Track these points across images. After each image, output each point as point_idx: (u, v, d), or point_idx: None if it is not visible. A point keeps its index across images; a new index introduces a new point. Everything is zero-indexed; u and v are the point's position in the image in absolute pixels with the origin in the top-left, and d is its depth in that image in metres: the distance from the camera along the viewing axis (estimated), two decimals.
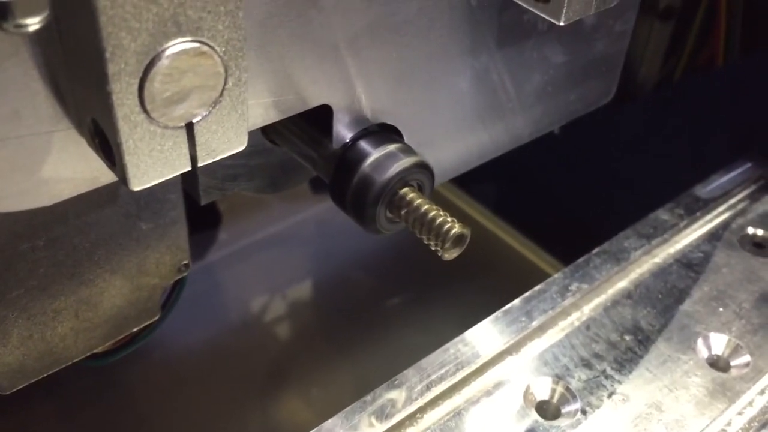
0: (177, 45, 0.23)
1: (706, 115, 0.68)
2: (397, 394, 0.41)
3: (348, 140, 0.37)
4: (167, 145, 0.25)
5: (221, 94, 0.25)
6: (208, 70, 0.24)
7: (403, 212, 0.36)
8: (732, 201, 0.56)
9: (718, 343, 0.45)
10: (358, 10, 0.33)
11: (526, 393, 0.42)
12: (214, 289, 0.72)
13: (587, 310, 0.47)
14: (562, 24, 0.34)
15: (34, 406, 0.59)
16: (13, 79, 0.25)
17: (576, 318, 0.47)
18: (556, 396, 0.42)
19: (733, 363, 0.45)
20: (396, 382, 0.42)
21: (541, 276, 0.50)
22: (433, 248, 0.35)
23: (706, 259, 0.51)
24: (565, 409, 0.42)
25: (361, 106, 0.37)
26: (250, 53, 0.30)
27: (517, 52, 0.42)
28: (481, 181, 0.82)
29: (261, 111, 0.32)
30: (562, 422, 0.41)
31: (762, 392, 0.43)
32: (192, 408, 0.62)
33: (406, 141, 0.39)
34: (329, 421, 0.40)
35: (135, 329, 0.41)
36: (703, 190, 0.57)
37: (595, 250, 0.51)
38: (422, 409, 0.41)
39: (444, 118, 0.42)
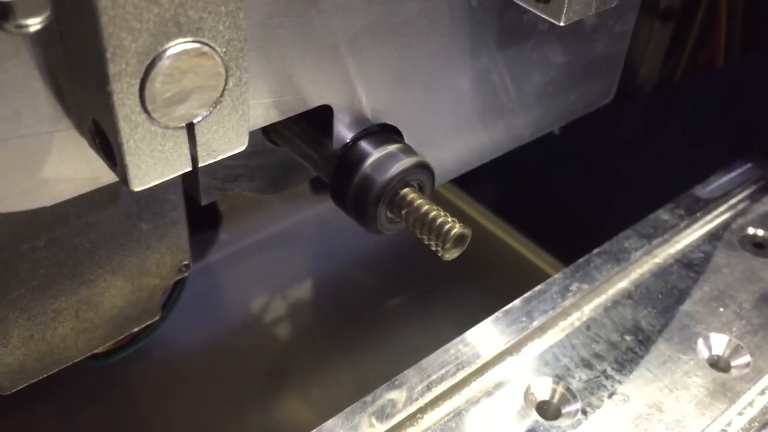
0: (178, 45, 0.23)
1: (706, 115, 0.68)
2: (397, 395, 0.41)
3: (348, 140, 0.37)
4: (168, 146, 0.25)
5: (222, 95, 0.25)
6: (209, 70, 0.24)
7: (403, 212, 0.36)
8: (732, 201, 0.56)
9: (719, 343, 0.45)
10: (358, 10, 0.33)
11: (527, 393, 0.42)
12: (215, 290, 0.72)
13: (588, 310, 0.47)
14: (562, 24, 0.34)
15: (35, 407, 0.59)
16: (14, 80, 0.25)
17: (576, 318, 0.47)
18: (557, 396, 0.42)
19: (733, 363, 0.45)
20: (396, 382, 0.42)
21: (542, 276, 0.50)
22: (433, 248, 0.35)
23: (706, 259, 0.51)
24: (565, 410, 0.42)
25: (362, 106, 0.37)
26: (251, 54, 0.30)
27: (517, 53, 0.42)
28: (482, 182, 0.82)
29: (261, 111, 0.32)
30: (562, 422, 0.41)
31: (762, 392, 0.43)
32: (192, 408, 0.62)
33: (406, 141, 0.39)
34: (329, 421, 0.40)
35: (135, 329, 0.41)
36: (704, 190, 0.57)
37: (596, 251, 0.51)
38: (423, 410, 0.41)
39: (444, 118, 0.42)
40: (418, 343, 0.66)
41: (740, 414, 0.42)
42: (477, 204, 0.81)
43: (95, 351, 0.40)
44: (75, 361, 0.39)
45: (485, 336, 0.45)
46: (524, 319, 0.46)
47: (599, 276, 0.49)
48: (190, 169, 0.26)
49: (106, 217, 0.36)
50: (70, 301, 0.37)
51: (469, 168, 0.46)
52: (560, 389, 0.43)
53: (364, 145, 0.37)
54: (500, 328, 0.45)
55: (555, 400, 0.42)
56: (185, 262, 0.41)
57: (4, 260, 0.33)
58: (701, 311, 0.47)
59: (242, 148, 0.28)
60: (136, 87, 0.23)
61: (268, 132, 0.41)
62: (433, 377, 0.42)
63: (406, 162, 0.36)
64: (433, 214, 0.35)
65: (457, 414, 0.41)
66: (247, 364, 0.66)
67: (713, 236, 0.53)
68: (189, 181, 0.40)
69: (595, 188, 0.76)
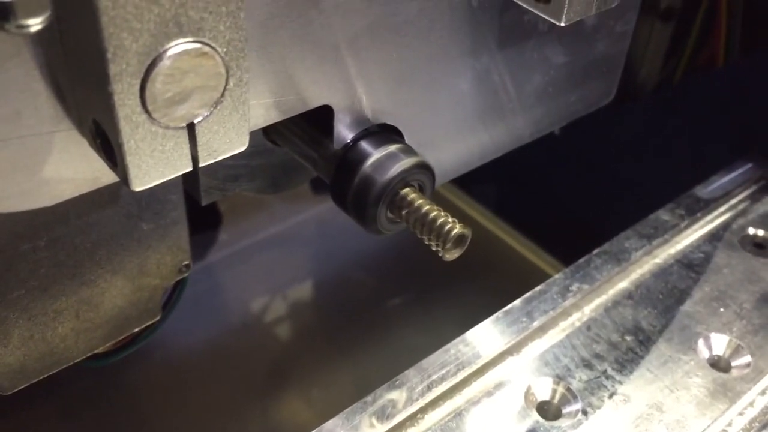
0: (178, 45, 0.23)
1: (706, 115, 0.68)
2: (397, 395, 0.41)
3: (349, 141, 0.37)
4: (168, 146, 0.25)
5: (222, 95, 0.25)
6: (210, 70, 0.24)
7: (404, 213, 0.36)
8: (732, 201, 0.56)
9: (719, 343, 0.45)
10: (358, 10, 0.33)
11: (527, 393, 0.42)
12: (215, 290, 0.72)
13: (588, 310, 0.47)
14: (562, 25, 0.34)
15: (35, 407, 0.59)
16: (15, 80, 0.25)
17: (577, 318, 0.47)
18: (557, 396, 0.42)
19: (734, 363, 0.45)
20: (397, 382, 0.42)
21: (542, 276, 0.50)
22: (433, 249, 0.35)
23: (706, 259, 0.51)
24: (566, 410, 0.42)
25: (362, 106, 0.37)
26: (252, 54, 0.30)
27: (517, 53, 0.42)
28: (482, 182, 0.82)
29: (262, 111, 0.32)
30: (563, 423, 0.41)
31: (763, 393, 0.43)
32: (193, 408, 0.62)
33: (406, 141, 0.39)
34: (330, 421, 0.40)
35: (136, 330, 0.41)
36: (704, 190, 0.57)
37: (596, 251, 0.51)
38: (423, 410, 0.41)
39: (445, 118, 0.42)
40: (418, 343, 0.66)
41: (741, 414, 0.42)
42: (477, 204, 0.81)
43: (96, 351, 0.40)
44: (75, 361, 0.39)
45: (486, 336, 0.45)
46: (525, 319, 0.46)
47: (600, 276, 0.49)
48: (190, 169, 0.26)
49: (106, 217, 0.36)
50: (71, 302, 0.37)
51: (470, 168, 0.46)
52: (561, 389, 0.43)
53: (364, 145, 0.37)
54: (501, 329, 0.45)
55: (555, 401, 0.42)
56: (186, 263, 0.41)
57: (4, 260, 0.33)
58: (702, 311, 0.47)
59: (243, 149, 0.28)
60: (137, 87, 0.23)
61: (269, 132, 0.41)
62: (434, 377, 0.42)
63: (406, 162, 0.36)
64: (433, 214, 0.35)
65: (458, 414, 0.41)
66: (248, 365, 0.66)
67: (714, 236, 0.53)
68: (189, 181, 0.40)
69: (595, 188, 0.76)
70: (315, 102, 0.34)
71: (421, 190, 0.37)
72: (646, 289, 0.49)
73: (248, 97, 0.26)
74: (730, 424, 0.41)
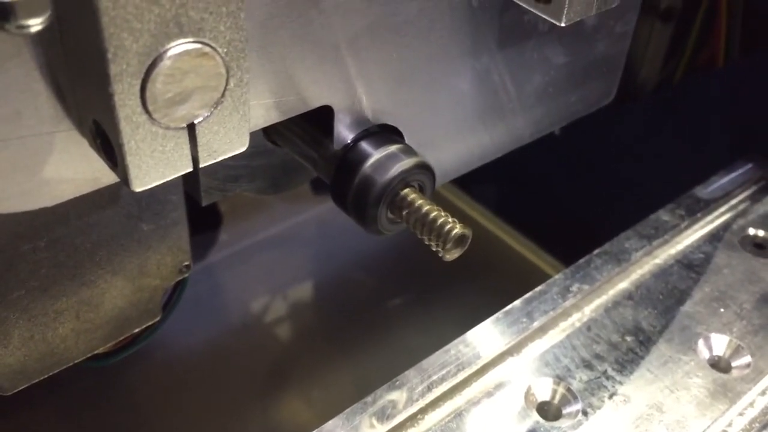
0: (179, 46, 0.23)
1: (706, 115, 0.68)
2: (398, 395, 0.41)
3: (349, 141, 0.37)
4: (169, 146, 0.25)
5: (223, 95, 0.25)
6: (210, 70, 0.24)
7: (404, 213, 0.36)
8: (733, 202, 0.56)
9: (719, 343, 0.45)
10: (358, 10, 0.33)
11: (527, 394, 0.42)
12: (216, 290, 0.72)
13: (588, 311, 0.47)
14: (563, 25, 0.34)
15: (36, 407, 0.59)
16: (15, 80, 0.25)
17: (577, 319, 0.47)
18: (558, 397, 0.42)
19: (734, 364, 0.45)
20: (397, 383, 0.42)
21: (542, 277, 0.50)
22: (434, 249, 0.35)
23: (707, 260, 0.51)
24: (566, 410, 0.42)
25: (362, 106, 0.37)
26: (252, 54, 0.30)
27: (517, 53, 0.42)
28: (482, 182, 0.82)
29: (262, 112, 0.32)
30: (563, 423, 0.41)
31: (763, 393, 0.43)
32: (193, 409, 0.62)
33: (406, 142, 0.39)
34: (330, 422, 0.40)
35: (136, 330, 0.41)
36: (704, 190, 0.57)
37: (596, 251, 0.51)
38: (423, 410, 0.41)
39: (445, 118, 0.42)
40: (418, 343, 0.66)
41: (741, 414, 0.42)
42: (477, 204, 0.81)
43: (96, 352, 0.40)
44: (76, 361, 0.39)
45: (486, 336, 0.45)
46: (525, 319, 0.46)
47: (600, 277, 0.49)
48: (191, 169, 0.26)
49: (106, 217, 0.36)
50: (71, 302, 0.37)
51: (470, 168, 0.46)
52: (561, 390, 0.43)
53: (364, 145, 0.37)
54: (501, 329, 0.45)
55: (556, 401, 0.42)
56: (186, 263, 0.41)
57: (5, 261, 0.33)
58: (702, 312, 0.47)
59: (243, 149, 0.28)
60: (137, 87, 0.23)
61: (269, 132, 0.41)
62: (434, 378, 0.42)
63: (406, 162, 0.36)
64: (433, 214, 0.35)
65: (458, 415, 0.41)
66: (248, 365, 0.66)
67: (714, 237, 0.53)
68: (190, 181, 0.40)
69: (595, 189, 0.76)
70: (315, 102, 0.34)
71: (421, 190, 0.37)
72: (647, 290, 0.49)
73: (248, 97, 0.26)
74: (730, 425, 0.41)
